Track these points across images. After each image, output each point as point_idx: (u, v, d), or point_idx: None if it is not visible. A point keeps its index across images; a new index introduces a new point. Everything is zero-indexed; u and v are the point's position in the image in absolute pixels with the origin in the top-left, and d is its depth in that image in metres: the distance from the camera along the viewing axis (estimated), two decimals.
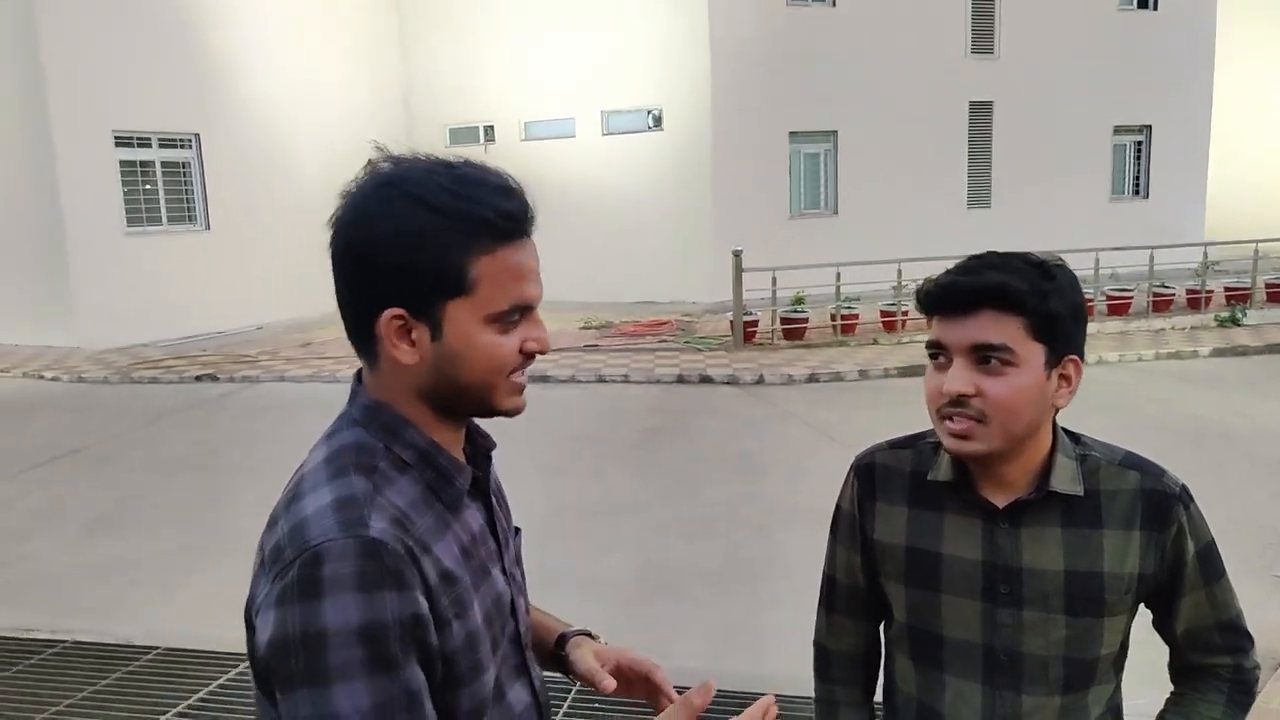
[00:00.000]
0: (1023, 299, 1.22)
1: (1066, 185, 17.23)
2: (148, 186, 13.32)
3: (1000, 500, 1.32)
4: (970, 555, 1.33)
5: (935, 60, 16.11)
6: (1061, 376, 1.27)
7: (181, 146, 13.68)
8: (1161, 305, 13.11)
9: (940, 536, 1.35)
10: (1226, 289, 13.53)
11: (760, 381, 10.02)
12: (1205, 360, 10.91)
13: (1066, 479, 1.31)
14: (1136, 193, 18.49)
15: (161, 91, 13.14)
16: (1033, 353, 1.24)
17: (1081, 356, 1.30)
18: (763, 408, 8.97)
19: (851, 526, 1.46)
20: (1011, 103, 16.69)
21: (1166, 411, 8.25)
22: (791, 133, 15.59)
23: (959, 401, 1.25)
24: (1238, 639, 1.37)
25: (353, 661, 0.86)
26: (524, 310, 1.01)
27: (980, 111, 16.72)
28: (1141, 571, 1.31)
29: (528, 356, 1.03)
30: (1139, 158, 18.38)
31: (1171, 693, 1.42)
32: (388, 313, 0.97)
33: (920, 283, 1.33)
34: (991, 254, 1.30)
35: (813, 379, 10.08)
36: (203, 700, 3.68)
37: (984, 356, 1.24)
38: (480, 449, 1.14)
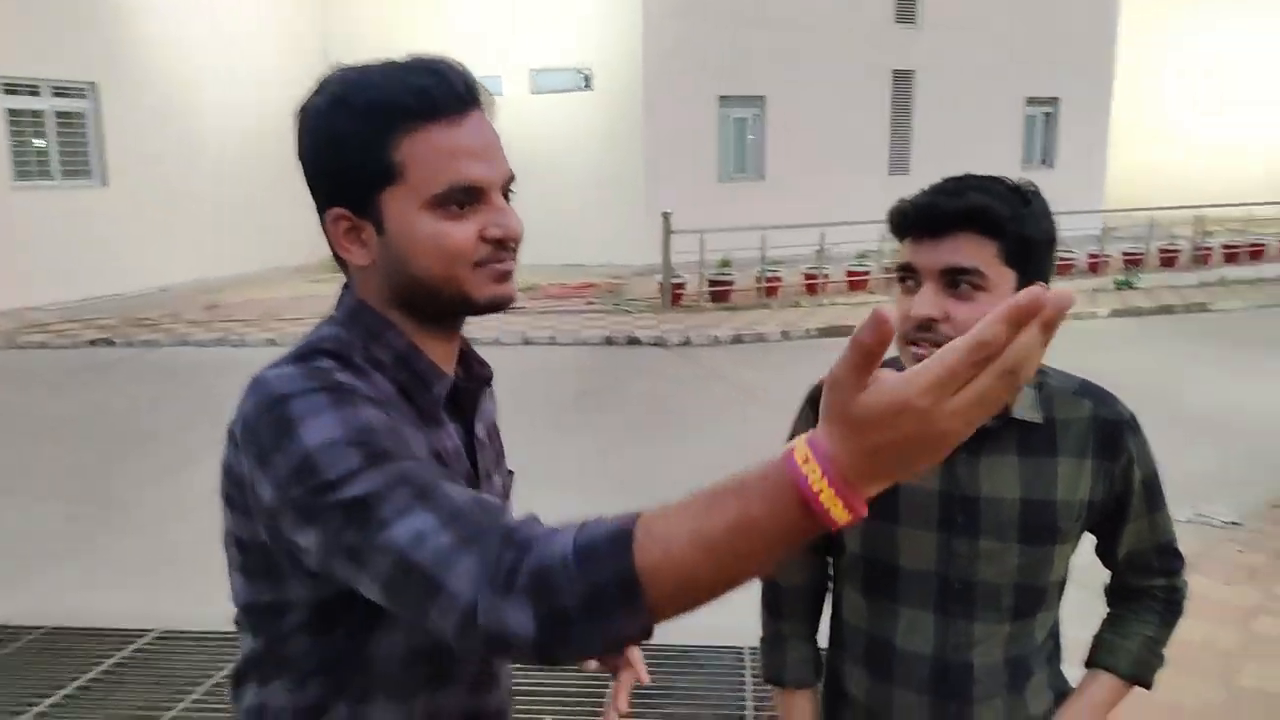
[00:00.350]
0: (1002, 222, 1.19)
1: (982, 154, 17.44)
2: (38, 139, 12.53)
3: None
4: (928, 485, 1.30)
5: (861, 28, 16.18)
6: None
7: (77, 96, 12.88)
8: (1063, 269, 13.63)
9: None
10: (1124, 254, 14.09)
11: (687, 343, 10.00)
12: (1104, 320, 11.35)
13: (1027, 406, 1.29)
14: (1044, 162, 19.00)
15: (55, 36, 12.32)
16: (1004, 278, 1.21)
17: (1048, 285, 1.26)
18: (690, 368, 8.95)
19: None
20: (932, 73, 16.90)
21: (1072, 367, 8.51)
22: (721, 97, 15.50)
23: (926, 326, 1.21)
24: (1173, 560, 1.41)
25: (352, 462, 0.82)
26: (471, 192, 0.94)
27: (903, 80, 16.89)
28: (1092, 499, 1.31)
29: (496, 244, 0.96)
30: (1047, 128, 18.89)
31: (1109, 613, 1.46)
32: (329, 214, 0.96)
33: (894, 203, 1.27)
34: (971, 176, 1.25)
35: (738, 340, 10.11)
36: (93, 680, 3.44)
37: (954, 280, 1.20)
38: (475, 376, 1.08)
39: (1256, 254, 14.92)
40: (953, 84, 16.97)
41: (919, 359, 1.20)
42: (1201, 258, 14.62)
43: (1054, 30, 17.73)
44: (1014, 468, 1.29)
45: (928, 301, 1.21)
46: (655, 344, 9.99)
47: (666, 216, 11.55)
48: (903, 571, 1.33)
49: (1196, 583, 4.23)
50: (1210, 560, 4.53)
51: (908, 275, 1.25)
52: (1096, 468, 1.31)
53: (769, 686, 1.53)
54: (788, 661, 1.49)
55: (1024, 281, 1.22)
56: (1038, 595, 1.33)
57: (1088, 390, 1.35)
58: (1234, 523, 5.03)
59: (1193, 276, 14.05)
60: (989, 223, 1.19)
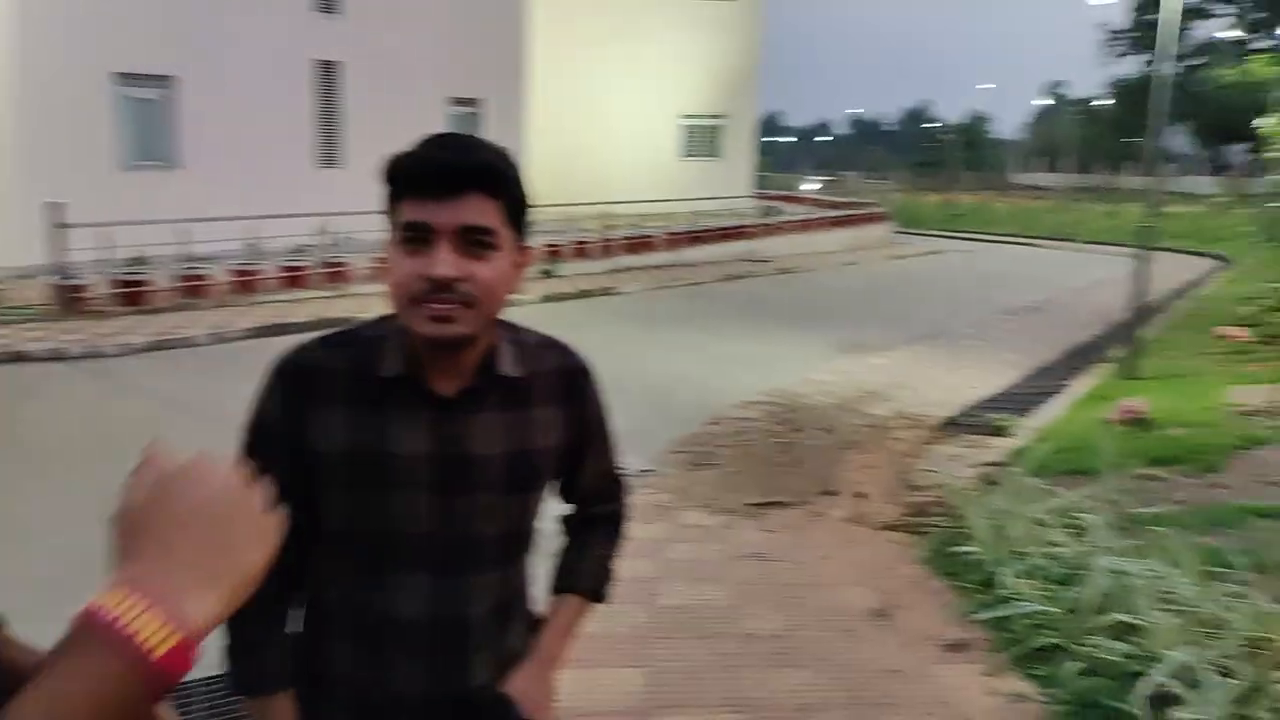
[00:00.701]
0: (508, 182, 1.23)
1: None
2: None
3: (449, 390, 1.30)
4: (421, 449, 1.30)
5: (279, 12, 15.40)
6: (519, 264, 1.29)
7: None
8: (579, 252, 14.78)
9: (388, 434, 1.29)
10: (547, 246, 15.61)
11: (94, 354, 8.60)
12: (534, 307, 12.45)
13: (509, 363, 1.34)
14: None
15: None
16: (508, 237, 1.24)
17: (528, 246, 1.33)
18: (97, 384, 7.70)
19: (279, 438, 1.31)
20: (359, 65, 16.78)
21: None
22: (119, 74, 13.57)
23: (446, 286, 1.19)
24: (620, 488, 1.59)
25: None
26: None
27: (328, 71, 16.50)
28: (563, 443, 1.41)
29: None
30: (474, 128, 20.06)
31: (568, 542, 1.56)
32: None
33: (391, 159, 1.22)
34: (455, 134, 1.26)
35: (159, 347, 9.00)
36: None
37: (473, 240, 1.21)
38: None
39: (649, 245, 17.55)
40: (380, 78, 17.04)
41: (438, 318, 1.20)
42: (608, 249, 16.76)
43: (473, 34, 18.79)
44: (500, 422, 1.34)
45: (450, 262, 1.19)
46: (51, 358, 8.43)
47: (54, 207, 9.81)
48: (399, 538, 1.32)
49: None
50: (630, 507, 5.15)
51: (415, 235, 1.20)
52: (567, 414, 1.40)
53: (239, 699, 1.39)
54: (264, 666, 1.36)
55: (518, 239, 1.27)
56: (524, 540, 1.42)
57: (552, 344, 1.44)
58: (646, 470, 5.80)
59: (601, 265, 16.06)
60: (499, 182, 1.22)
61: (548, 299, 12.77)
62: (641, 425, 6.79)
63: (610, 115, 23.74)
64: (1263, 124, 9.70)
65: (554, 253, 15.47)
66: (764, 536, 4.74)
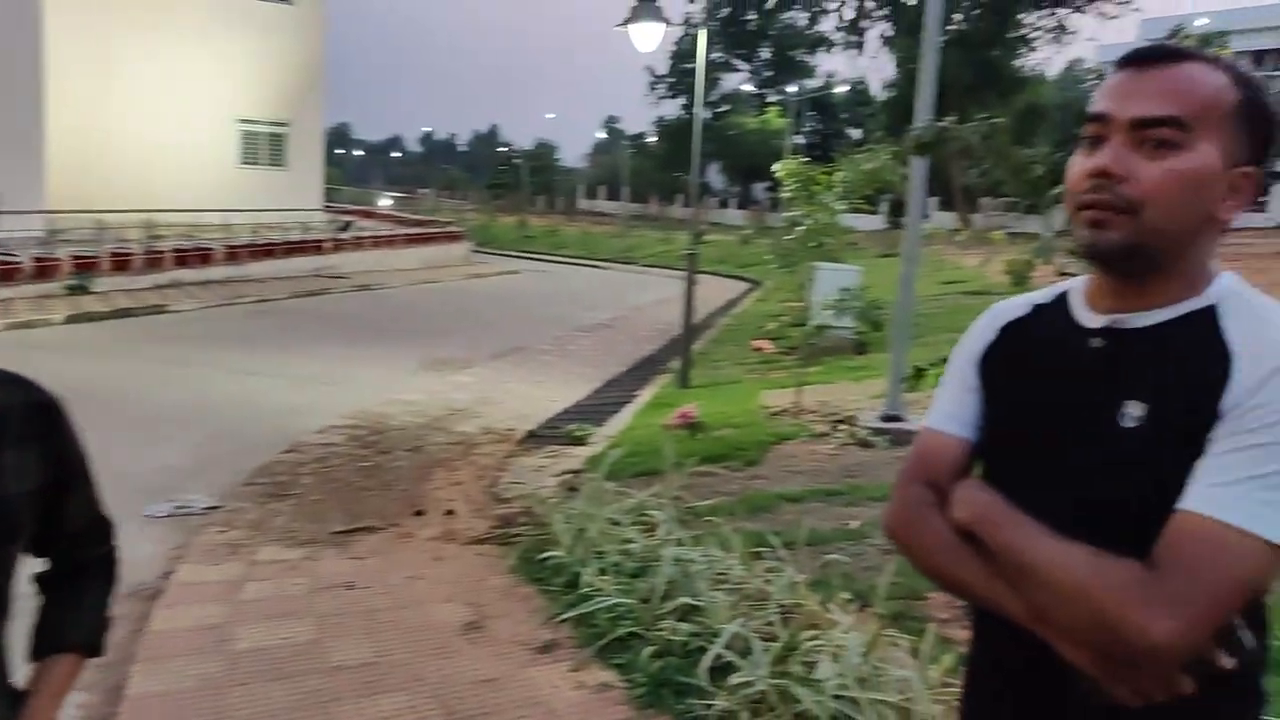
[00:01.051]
0: None
1: None
2: None
3: None
4: None
5: None
6: None
7: None
8: (7, 274, 12.58)
9: None
10: (74, 257, 13.56)
11: None
12: (58, 328, 10.82)
13: None
14: None
15: None
16: None
17: None
18: None
19: None
20: None
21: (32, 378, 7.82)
22: None
23: None
24: (110, 528, 1.46)
25: None
26: None
27: None
28: (39, 486, 1.28)
29: None
30: None
31: (50, 597, 1.41)
32: None
33: None
34: None
35: None
36: None
37: None
38: None
39: (205, 258, 15.99)
40: None
41: None
42: (154, 261, 14.98)
43: None
44: None
45: None
46: None
47: None
48: None
49: (188, 571, 4.31)
50: (196, 548, 4.64)
51: None
52: (41, 451, 1.28)
53: None
54: None
55: None
56: (4, 602, 1.25)
57: (11, 379, 1.30)
58: (213, 506, 5.26)
59: (147, 279, 14.34)
60: None
61: (74, 319, 11.10)
62: (206, 458, 6.18)
63: (153, 115, 21.20)
64: (778, 167, 11.40)
65: (85, 265, 13.50)
66: (351, 564, 4.54)
